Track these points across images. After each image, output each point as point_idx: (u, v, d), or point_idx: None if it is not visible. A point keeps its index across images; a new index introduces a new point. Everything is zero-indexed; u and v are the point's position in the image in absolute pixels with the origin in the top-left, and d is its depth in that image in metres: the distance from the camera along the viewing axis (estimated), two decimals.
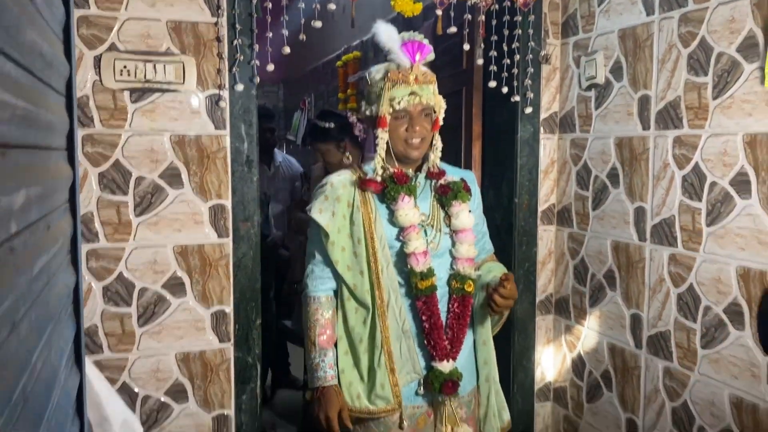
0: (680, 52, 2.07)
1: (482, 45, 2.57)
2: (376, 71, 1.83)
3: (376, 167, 1.84)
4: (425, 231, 1.86)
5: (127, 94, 2.12)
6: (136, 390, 2.18)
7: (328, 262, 1.87)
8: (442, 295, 1.86)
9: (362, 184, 1.84)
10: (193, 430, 2.25)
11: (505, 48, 2.52)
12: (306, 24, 2.20)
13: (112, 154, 2.12)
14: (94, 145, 2.09)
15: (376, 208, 1.85)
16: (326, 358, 1.85)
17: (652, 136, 2.19)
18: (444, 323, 1.86)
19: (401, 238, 1.83)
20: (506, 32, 2.50)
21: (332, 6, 2.25)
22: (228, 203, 2.24)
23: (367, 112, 1.85)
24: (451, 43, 3.08)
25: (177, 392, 2.23)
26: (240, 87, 2.20)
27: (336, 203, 1.84)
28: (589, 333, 2.54)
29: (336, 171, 2.04)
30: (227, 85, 2.21)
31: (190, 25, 2.16)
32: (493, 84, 2.54)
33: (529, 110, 2.60)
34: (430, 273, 1.81)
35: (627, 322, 2.34)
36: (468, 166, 3.11)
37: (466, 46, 2.55)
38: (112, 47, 2.09)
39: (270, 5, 2.19)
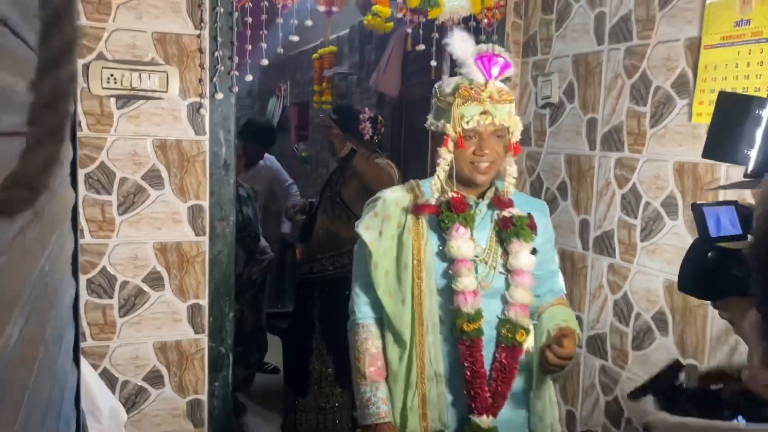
0: (624, 82, 2.28)
1: (449, 62, 2.75)
2: (447, 84, 1.65)
3: (433, 188, 1.68)
4: (477, 267, 1.65)
5: (113, 100, 2.26)
6: (116, 375, 2.35)
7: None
8: (488, 339, 1.64)
9: (415, 208, 1.67)
10: (169, 413, 2.43)
11: None
12: (284, 36, 2.37)
13: (98, 156, 2.26)
14: (81, 148, 2.23)
15: (428, 234, 1.67)
16: (378, 392, 1.69)
17: (597, 155, 2.41)
18: (488, 373, 1.64)
19: (450, 272, 1.63)
20: None
21: (309, 22, 2.41)
22: (206, 204, 2.41)
23: (433, 128, 1.67)
24: (421, 53, 3.25)
25: (154, 378, 2.40)
26: (220, 96, 2.36)
27: (385, 222, 1.70)
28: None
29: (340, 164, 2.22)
30: (208, 94, 2.36)
31: (174, 36, 2.31)
32: None
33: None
34: (478, 315, 1.60)
35: None
36: (432, 170, 3.29)
37: (434, 63, 2.73)
38: (100, 56, 2.23)
39: (250, 20, 2.35)
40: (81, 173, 2.25)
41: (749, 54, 1.81)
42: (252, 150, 3.95)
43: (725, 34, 1.87)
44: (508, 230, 1.65)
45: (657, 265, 2.16)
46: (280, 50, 2.41)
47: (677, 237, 2.08)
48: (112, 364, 2.35)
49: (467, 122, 1.57)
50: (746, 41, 1.81)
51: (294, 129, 6.49)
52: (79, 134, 2.22)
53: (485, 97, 1.56)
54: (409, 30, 2.59)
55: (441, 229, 1.64)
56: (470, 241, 1.63)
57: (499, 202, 1.69)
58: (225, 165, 2.42)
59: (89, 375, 1.53)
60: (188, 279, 2.41)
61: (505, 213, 1.67)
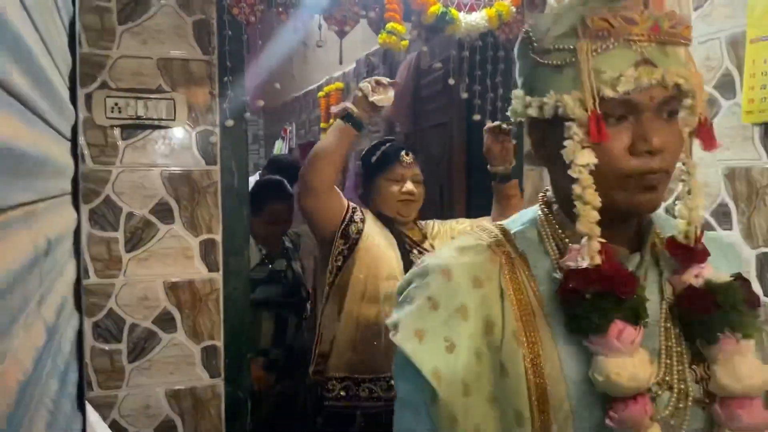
0: None
1: (467, 79, 2.63)
2: (553, 18, 0.87)
3: (554, 239, 0.92)
4: (656, 399, 0.84)
5: (118, 130, 2.13)
6: (126, 427, 2.16)
7: None
8: None
9: (563, 291, 0.84)
10: None
11: (489, 82, 2.58)
12: (287, 59, 2.25)
13: (102, 190, 2.12)
14: (84, 182, 2.10)
15: (553, 336, 0.86)
16: None
17: None
18: None
19: (610, 420, 0.81)
20: (489, 67, 2.57)
21: (321, 44, 2.30)
22: (218, 237, 2.25)
23: (531, 112, 0.88)
24: (436, 75, 3.15)
25: (167, 429, 2.21)
26: (230, 122, 2.23)
27: (457, 321, 0.87)
28: None
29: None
30: (218, 121, 2.23)
31: (181, 62, 2.19)
32: (477, 117, 2.59)
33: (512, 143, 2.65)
34: None
35: None
36: (451, 198, 3.15)
37: (452, 81, 2.61)
38: (104, 85, 2.11)
39: (260, 42, 2.24)
40: (85, 209, 2.10)
41: None
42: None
43: None
44: (711, 315, 0.84)
45: None
46: (277, 85, 2.31)
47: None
48: (121, 416, 2.16)
49: (615, 84, 0.80)
50: None
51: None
52: (82, 167, 2.09)
53: (646, 29, 0.81)
54: (425, 48, 2.48)
55: (578, 331, 0.83)
56: (646, 358, 0.82)
57: (674, 249, 0.89)
58: (238, 195, 2.27)
59: (96, 424, 1.36)
60: (202, 319, 2.24)
61: (691, 277, 0.87)
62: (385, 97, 2.07)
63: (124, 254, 2.15)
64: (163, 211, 2.19)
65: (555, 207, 0.94)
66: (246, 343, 2.29)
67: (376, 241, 2.11)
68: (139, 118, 2.14)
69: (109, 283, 2.14)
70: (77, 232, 1.16)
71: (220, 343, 2.25)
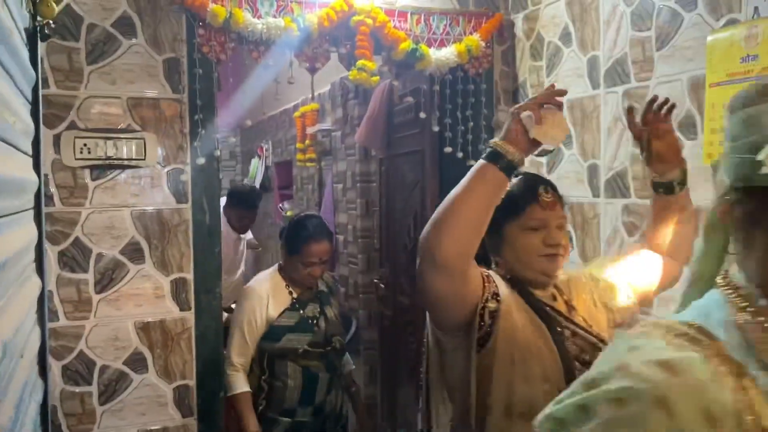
0: (625, 125, 2.18)
1: (437, 112, 2.66)
2: None
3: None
4: None
5: (87, 171, 2.12)
6: None
7: None
8: None
9: None
10: None
11: (459, 115, 2.61)
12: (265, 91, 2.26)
13: (72, 231, 2.11)
14: (53, 224, 2.08)
15: None
16: None
17: (602, 203, 2.29)
18: None
19: None
20: (460, 100, 2.60)
21: (292, 81, 2.31)
22: (190, 276, 2.25)
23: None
24: (410, 104, 3.17)
25: None
26: (201, 160, 2.23)
27: None
28: None
29: None
30: (189, 160, 2.23)
31: (151, 101, 2.19)
32: (448, 149, 2.62)
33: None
34: None
35: None
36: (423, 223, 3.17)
37: (422, 114, 2.64)
38: (72, 125, 2.10)
39: (231, 80, 2.25)
40: (54, 251, 2.08)
41: None
42: (239, 216, 3.90)
43: (732, 71, 1.79)
44: None
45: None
46: (264, 112, 2.30)
47: None
48: None
49: None
50: (756, 77, 1.72)
51: (278, 188, 6.38)
52: (51, 209, 2.07)
53: None
54: (396, 83, 2.51)
55: None
56: None
57: None
58: (210, 233, 2.27)
59: None
60: (174, 358, 2.23)
61: None
62: (559, 130, 1.35)
63: (94, 295, 2.14)
64: (133, 251, 2.18)
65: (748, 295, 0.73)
66: (218, 382, 2.28)
67: (518, 323, 1.43)
68: (108, 158, 2.13)
69: (79, 325, 2.12)
70: (41, 299, 1.15)
71: (192, 383, 2.24)
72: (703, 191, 1.91)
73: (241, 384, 2.34)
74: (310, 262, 2.45)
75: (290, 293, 2.49)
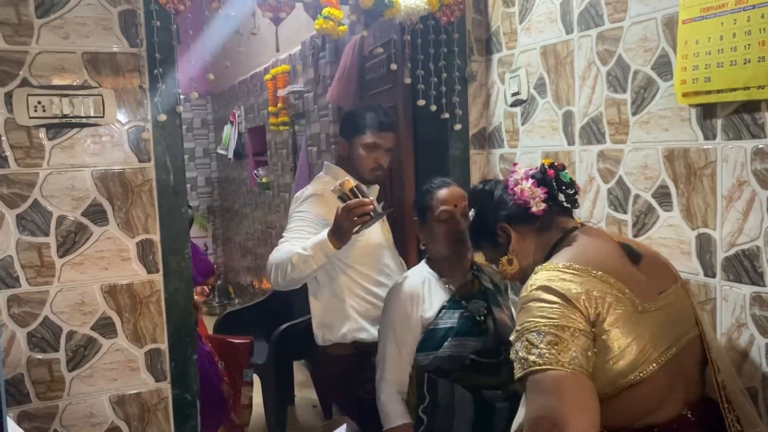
0: (599, 69, 2.13)
1: (409, 64, 2.58)
2: None
3: None
4: None
5: (43, 130, 2.03)
6: None
7: None
8: None
9: None
10: None
11: (432, 66, 2.54)
12: (229, 45, 2.17)
13: (30, 194, 2.02)
14: (10, 186, 1.99)
15: None
16: None
17: (577, 150, 2.25)
18: None
19: None
20: (432, 51, 2.53)
21: (255, 32, 2.22)
22: (156, 237, 2.18)
23: None
24: (381, 59, 3.09)
25: None
26: (163, 117, 2.14)
27: None
28: None
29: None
30: (150, 116, 2.14)
31: (108, 56, 2.09)
32: (421, 102, 2.56)
33: (458, 127, 2.62)
34: None
35: None
36: (401, 182, 3.12)
37: (394, 66, 2.56)
38: (25, 82, 2.00)
39: (191, 31, 2.15)
40: (11, 214, 2.00)
41: (734, 24, 1.67)
42: None
43: (705, 6, 1.73)
44: None
45: None
46: (227, 64, 2.20)
47: (673, 229, 1.93)
48: (63, 426, 2.09)
49: None
50: (731, 10, 1.67)
51: (252, 155, 6.26)
52: (6, 171, 1.99)
53: None
54: (365, 33, 2.42)
55: None
56: None
57: None
58: (175, 193, 2.19)
59: None
60: (143, 322, 2.17)
61: None
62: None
63: (57, 259, 2.06)
64: (96, 213, 2.10)
65: None
66: (191, 344, 2.22)
67: None
68: (65, 116, 2.04)
69: (42, 291, 2.05)
70: None
71: (164, 346, 2.19)
72: (680, 131, 1.88)
73: (399, 413, 1.90)
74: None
75: (445, 284, 2.03)
